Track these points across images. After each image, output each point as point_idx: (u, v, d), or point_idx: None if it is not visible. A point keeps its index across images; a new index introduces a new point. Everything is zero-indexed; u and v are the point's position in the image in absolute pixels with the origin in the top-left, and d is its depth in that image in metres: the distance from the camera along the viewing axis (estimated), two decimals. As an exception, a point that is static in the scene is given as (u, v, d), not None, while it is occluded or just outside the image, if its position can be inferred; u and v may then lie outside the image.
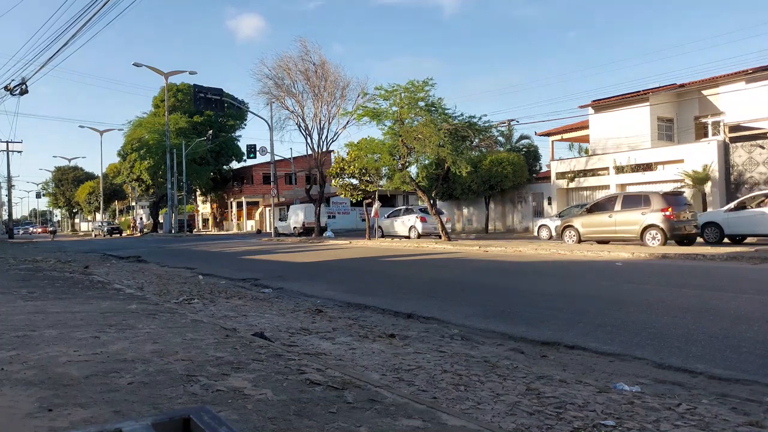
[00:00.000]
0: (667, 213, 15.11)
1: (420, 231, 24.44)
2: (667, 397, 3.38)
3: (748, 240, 16.29)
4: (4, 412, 2.61)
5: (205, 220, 65.45)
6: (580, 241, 17.11)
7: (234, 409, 2.68)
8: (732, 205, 16.48)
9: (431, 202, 23.29)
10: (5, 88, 24.24)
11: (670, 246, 14.77)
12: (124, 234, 51.04)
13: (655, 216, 15.23)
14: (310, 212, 33.00)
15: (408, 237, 24.75)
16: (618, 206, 16.31)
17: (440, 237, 22.07)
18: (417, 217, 24.76)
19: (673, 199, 15.70)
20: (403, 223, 25.85)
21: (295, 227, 33.49)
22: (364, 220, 27.04)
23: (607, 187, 26.31)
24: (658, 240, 15.14)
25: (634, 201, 16.16)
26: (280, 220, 36.80)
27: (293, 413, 2.63)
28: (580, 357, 4.53)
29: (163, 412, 2.26)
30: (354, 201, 34.61)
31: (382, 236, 25.53)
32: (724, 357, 4.27)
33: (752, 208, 15.81)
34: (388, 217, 27.27)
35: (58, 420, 2.50)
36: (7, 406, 2.68)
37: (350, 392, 2.98)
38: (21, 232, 73.84)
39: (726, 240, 16.11)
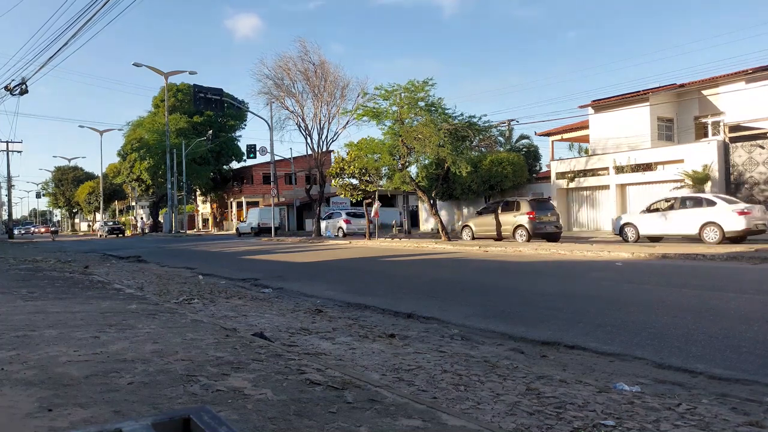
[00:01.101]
0: (531, 216, 18.78)
1: (345, 231, 28.86)
2: (667, 397, 3.38)
3: (739, 240, 16.40)
4: (4, 412, 2.61)
5: (205, 220, 65.47)
6: (473, 237, 20.84)
7: (234, 409, 2.68)
8: (645, 207, 18.57)
9: (431, 202, 23.30)
10: (5, 88, 24.24)
11: (534, 242, 18.12)
12: (126, 234, 49.90)
13: (523, 218, 18.99)
14: (265, 214, 37.56)
15: (337, 236, 29.27)
16: (499, 210, 20.31)
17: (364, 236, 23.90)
18: (342, 219, 29.37)
19: (537, 204, 19.58)
20: (333, 225, 30.39)
21: (252, 228, 38.07)
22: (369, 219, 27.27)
23: (607, 187, 26.31)
24: (524, 237, 18.89)
25: (510, 206, 20.00)
26: (240, 221, 41.90)
27: (293, 413, 2.63)
28: (580, 357, 4.53)
29: (163, 412, 2.26)
30: (354, 201, 34.62)
31: (319, 236, 28.37)
32: (724, 357, 4.27)
33: (662, 210, 17.65)
34: (323, 219, 31.76)
35: (58, 420, 2.50)
36: (7, 406, 2.68)
37: (350, 392, 2.98)
38: (22, 232, 71.76)
39: (639, 239, 17.98)
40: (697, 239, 16.35)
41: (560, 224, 19.38)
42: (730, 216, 15.74)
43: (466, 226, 21.64)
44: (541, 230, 19.04)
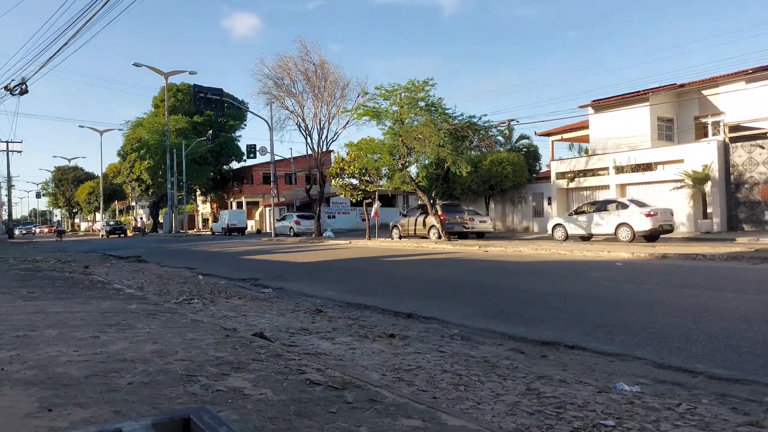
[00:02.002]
0: (442, 217, 22.16)
1: (295, 231, 32.81)
2: (667, 397, 3.38)
3: (740, 240, 16.62)
4: (4, 412, 2.61)
5: (205, 220, 65.44)
6: (401, 237, 24.24)
7: (234, 409, 2.68)
8: (572, 210, 20.99)
9: (431, 202, 23.31)
10: (5, 88, 24.23)
11: (444, 241, 20.23)
12: (126, 234, 49.22)
13: (435, 220, 22.21)
14: (234, 215, 42.97)
15: (289, 235, 32.84)
16: (419, 212, 23.83)
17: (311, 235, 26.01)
18: (293, 220, 33.58)
19: (448, 208, 23.59)
20: (286, 226, 34.36)
21: (222, 227, 42.16)
22: (364, 220, 27.43)
23: (607, 187, 26.30)
24: (436, 235, 22.07)
25: (426, 208, 23.25)
26: (214, 222, 45.64)
27: (293, 413, 2.63)
28: (580, 357, 4.53)
29: (163, 412, 2.26)
30: (354, 201, 34.62)
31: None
32: (724, 357, 4.27)
33: (587, 213, 19.76)
34: (278, 220, 36.23)
35: (58, 420, 2.50)
36: (7, 406, 2.68)
37: (350, 392, 2.98)
38: (23, 232, 69.81)
39: (568, 238, 20.06)
40: (614, 238, 18.39)
41: (469, 224, 22.48)
42: (639, 218, 17.89)
43: (395, 226, 25.29)
44: (450, 229, 22.40)
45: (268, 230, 40.84)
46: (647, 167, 24.70)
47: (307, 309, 6.96)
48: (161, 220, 56.56)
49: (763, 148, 21.41)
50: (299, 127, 31.41)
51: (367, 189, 28.64)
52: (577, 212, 20.39)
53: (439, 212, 21.92)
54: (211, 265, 14.49)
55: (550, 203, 29.27)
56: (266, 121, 32.49)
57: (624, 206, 18.77)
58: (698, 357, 4.31)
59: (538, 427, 2.83)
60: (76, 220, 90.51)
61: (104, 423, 2.32)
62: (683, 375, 3.93)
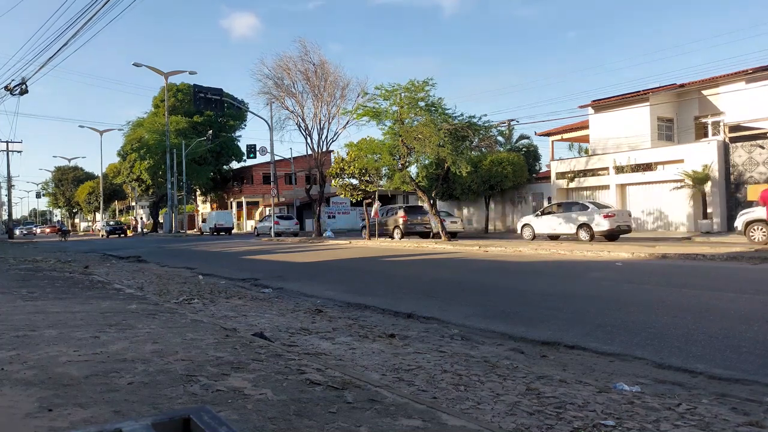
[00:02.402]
0: (404, 218, 24.55)
1: (275, 231, 33.94)
2: (667, 397, 3.38)
3: (738, 240, 16.49)
4: (4, 412, 2.61)
5: (205, 220, 65.45)
6: (369, 237, 25.76)
7: (234, 409, 2.68)
8: (539, 211, 22.15)
9: (431, 202, 23.31)
10: (5, 88, 24.23)
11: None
12: (126, 234, 48.81)
13: (399, 220, 24.79)
14: (221, 216, 45.17)
15: (269, 234, 34.06)
16: (389, 214, 26.16)
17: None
18: (273, 221, 34.69)
19: (410, 209, 25.88)
20: (266, 226, 36.16)
21: (210, 227, 44.06)
22: (363, 219, 27.51)
23: (607, 187, 26.31)
24: (399, 234, 24.68)
25: (394, 211, 26.20)
26: (203, 222, 47.51)
27: (293, 413, 2.64)
28: (580, 357, 4.53)
29: (163, 412, 2.26)
30: (354, 201, 34.62)
31: (257, 235, 31.83)
32: (724, 357, 4.27)
33: (552, 214, 20.94)
34: (260, 221, 39.40)
35: (58, 420, 2.50)
36: (7, 406, 2.68)
37: (350, 392, 2.99)
38: (24, 232, 68.05)
39: (535, 236, 21.36)
40: (576, 238, 19.49)
41: (430, 225, 24.29)
42: (598, 218, 18.97)
43: (364, 227, 27.07)
44: (412, 230, 25.03)
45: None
46: (647, 167, 24.70)
47: (307, 309, 6.96)
48: (161, 220, 56.55)
49: (763, 148, 21.41)
50: (299, 127, 31.44)
51: (367, 189, 28.67)
52: (544, 213, 21.49)
53: (402, 214, 24.44)
54: (211, 265, 14.49)
55: (550, 203, 29.28)
56: (266, 121, 32.50)
57: (585, 208, 19.88)
58: (698, 357, 4.31)
59: (538, 427, 2.83)
60: (76, 220, 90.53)
61: (104, 423, 2.32)
62: (683, 375, 3.93)
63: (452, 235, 24.00)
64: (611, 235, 18.97)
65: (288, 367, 3.49)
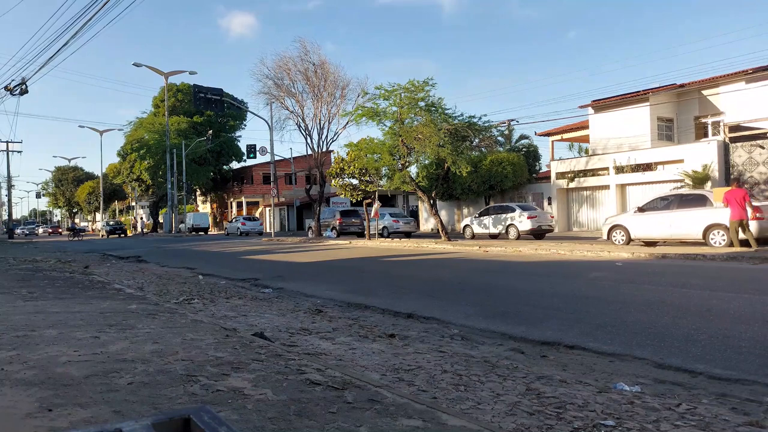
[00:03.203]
0: (339, 221, 28.69)
1: (241, 230, 38.69)
2: (667, 397, 3.38)
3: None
4: (4, 412, 2.61)
5: (231, 220, 65.37)
6: (338, 235, 29.39)
7: (234, 409, 2.68)
8: (477, 213, 24.62)
9: (431, 202, 23.32)
10: (5, 88, 24.23)
11: (444, 241, 20.74)
12: (127, 234, 48.45)
13: (336, 222, 29.11)
14: (198, 217, 48.93)
15: (237, 235, 38.50)
16: (330, 216, 30.50)
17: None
18: (240, 222, 39.93)
19: (345, 213, 30.12)
20: (235, 227, 40.47)
21: (188, 227, 47.33)
22: (363, 220, 27.57)
23: (607, 187, 26.31)
24: (336, 233, 29.01)
25: (332, 213, 30.73)
26: (181, 222, 49.89)
27: (293, 413, 2.63)
28: (580, 357, 4.53)
29: (163, 412, 2.26)
30: (354, 201, 34.61)
31: (319, 235, 32.29)
32: (724, 357, 4.27)
33: (488, 215, 23.41)
34: (230, 222, 43.94)
35: (58, 420, 2.50)
36: (7, 406, 2.68)
37: (350, 392, 2.98)
38: (26, 232, 65.02)
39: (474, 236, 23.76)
40: (506, 236, 21.98)
41: (363, 226, 27.00)
42: (522, 219, 21.46)
43: (310, 227, 31.44)
44: (345, 230, 29.42)
45: (267, 230, 41.26)
46: (647, 167, 24.70)
47: (307, 309, 6.96)
48: (161, 220, 56.55)
49: (763, 148, 21.40)
50: (299, 127, 31.42)
51: (367, 189, 28.64)
52: (482, 214, 24.05)
53: (338, 216, 28.20)
54: (211, 265, 14.48)
55: (550, 203, 29.27)
56: (266, 121, 32.49)
57: (511, 210, 22.49)
58: (698, 357, 4.31)
59: (538, 427, 2.83)
60: (76, 220, 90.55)
61: (104, 423, 2.32)
62: (683, 375, 3.93)
63: (407, 234, 26.98)
64: (536, 234, 21.58)
65: (288, 367, 3.49)
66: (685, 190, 18.29)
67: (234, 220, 43.23)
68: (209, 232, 48.84)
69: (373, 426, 2.49)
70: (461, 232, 24.77)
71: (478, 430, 2.47)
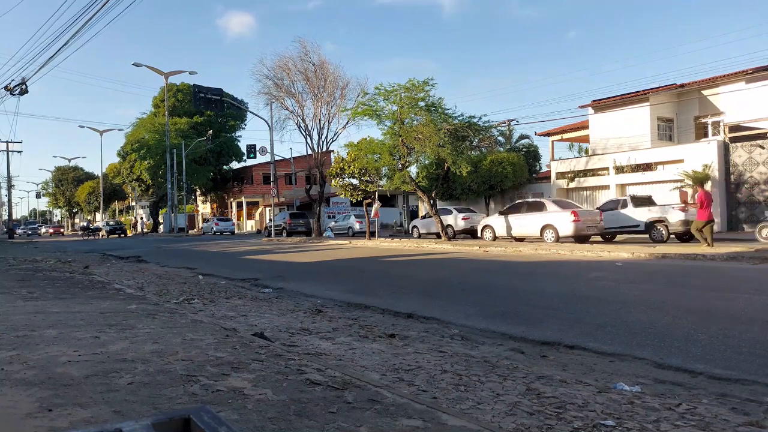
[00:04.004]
0: (288, 221, 33.18)
1: (215, 230, 42.42)
2: (667, 397, 3.38)
3: (470, 235, 20.24)
4: (4, 412, 2.61)
5: (206, 220, 65.45)
6: (269, 236, 32.16)
7: (234, 409, 2.68)
8: (422, 215, 27.16)
9: (431, 202, 23.32)
10: (5, 88, 24.23)
11: (444, 241, 21.31)
12: (127, 234, 48.17)
13: (285, 223, 33.47)
14: (181, 219, 49.99)
15: (213, 233, 42.01)
16: (282, 218, 34.24)
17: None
18: (214, 222, 43.54)
19: (293, 215, 34.60)
20: (210, 227, 43.57)
21: (168, 228, 49.58)
22: (311, 220, 27.97)
23: (607, 187, 26.31)
24: (286, 233, 32.71)
25: (284, 216, 34.41)
26: (161, 223, 53.11)
27: (293, 413, 2.63)
28: (580, 357, 4.53)
29: (163, 412, 2.26)
30: (354, 201, 34.61)
31: (319, 235, 32.98)
32: (724, 357, 4.27)
33: (429, 216, 24.67)
34: (204, 222, 49.20)
35: (58, 420, 2.50)
36: (7, 406, 2.68)
37: (350, 392, 2.98)
38: (29, 232, 61.23)
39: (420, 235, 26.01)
40: (439, 236, 22.83)
41: (311, 227, 30.75)
42: (459, 220, 23.79)
43: (278, 226, 34.03)
44: (294, 230, 33.53)
45: (297, 230, 41.48)
46: (647, 167, 24.69)
47: (307, 309, 6.96)
48: (161, 220, 56.56)
49: (763, 148, 21.40)
50: (299, 127, 31.40)
51: (367, 189, 28.64)
52: (424, 216, 26.36)
53: (287, 219, 31.43)
54: (211, 265, 14.48)
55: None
56: (266, 121, 32.48)
57: (449, 212, 24.54)
58: (698, 357, 4.31)
59: (538, 427, 2.83)
60: (76, 220, 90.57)
61: (104, 423, 2.32)
62: (683, 375, 3.93)
63: (372, 234, 28.31)
64: (468, 234, 23.50)
65: (288, 367, 3.49)
66: (531, 199, 22.07)
67: (209, 221, 47.67)
68: (246, 232, 50.79)
69: (373, 426, 2.49)
70: (410, 231, 25.66)
71: (478, 430, 2.47)
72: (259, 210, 54.97)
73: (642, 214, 18.14)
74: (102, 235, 42.79)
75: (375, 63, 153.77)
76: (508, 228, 19.86)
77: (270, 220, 36.17)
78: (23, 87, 23.76)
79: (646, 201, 19.06)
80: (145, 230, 51.39)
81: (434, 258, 14.78)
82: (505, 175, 29.10)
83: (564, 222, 18.00)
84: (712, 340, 4.75)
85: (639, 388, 3.55)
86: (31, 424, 2.44)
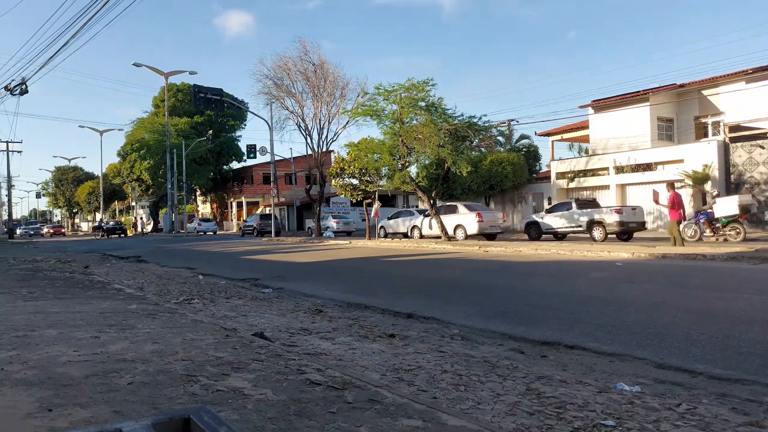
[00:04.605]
0: (259, 222, 36.31)
1: (198, 230, 44.65)
2: (667, 397, 3.38)
3: (726, 238, 17.59)
4: (4, 412, 2.61)
5: (135, 224, 65.06)
6: (243, 234, 37.02)
7: (234, 409, 2.68)
8: (390, 216, 27.72)
9: (431, 202, 23.32)
10: (5, 88, 24.23)
11: (444, 241, 21.30)
12: (127, 234, 47.76)
13: (255, 225, 36.80)
14: (167, 218, 50.96)
15: (196, 234, 44.11)
16: (253, 219, 37.52)
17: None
18: (197, 223, 45.92)
19: (263, 216, 36.48)
20: (192, 227, 45.49)
21: (148, 227, 53.52)
22: (364, 220, 27.66)
23: (607, 187, 26.32)
24: (257, 233, 35.91)
25: (255, 218, 36.62)
26: (133, 226, 54.72)
27: (293, 413, 2.64)
28: (580, 357, 4.52)
29: (163, 412, 2.26)
30: (354, 201, 34.61)
31: (319, 236, 33.17)
32: (724, 357, 4.27)
33: (399, 218, 26.39)
34: (189, 223, 47.23)
35: (58, 420, 2.50)
36: (7, 406, 2.68)
37: (350, 392, 2.98)
38: (31, 232, 57.71)
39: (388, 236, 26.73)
40: (410, 236, 24.78)
41: (279, 227, 33.39)
42: (425, 221, 23.88)
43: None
44: (263, 230, 35.64)
45: (267, 230, 41.61)
46: (647, 167, 24.70)
47: (307, 309, 6.96)
48: (161, 220, 56.54)
49: (763, 148, 21.41)
50: (299, 127, 31.41)
51: (367, 189, 28.65)
52: (391, 217, 27.34)
53: (256, 221, 32.78)
54: (211, 265, 14.48)
55: (550, 203, 29.27)
56: (266, 121, 32.49)
57: (413, 213, 25.99)
58: (698, 357, 4.31)
59: (538, 427, 2.83)
60: (76, 220, 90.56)
61: (104, 423, 2.32)
62: (683, 375, 3.93)
63: (348, 234, 30.20)
64: (623, 234, 20.41)
65: (288, 367, 3.49)
66: (449, 202, 25.22)
67: (193, 221, 49.84)
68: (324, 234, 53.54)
69: (373, 426, 2.49)
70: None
71: (478, 430, 2.47)
72: (259, 210, 54.96)
73: (583, 216, 19.68)
74: (122, 236, 44.07)
75: (375, 62, 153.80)
76: (430, 227, 23.33)
77: (244, 221, 41.78)
78: (23, 87, 23.76)
79: (589, 204, 20.85)
80: (145, 230, 51.35)
81: (434, 258, 14.78)
82: (505, 175, 29.10)
83: (471, 222, 21.76)
84: (712, 340, 4.75)
85: (639, 388, 3.55)
86: (31, 424, 2.44)
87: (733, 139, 22.32)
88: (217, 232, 46.55)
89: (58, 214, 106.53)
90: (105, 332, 4.56)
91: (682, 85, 26.28)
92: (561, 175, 28.68)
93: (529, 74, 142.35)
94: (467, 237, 21.64)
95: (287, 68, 30.52)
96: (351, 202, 36.68)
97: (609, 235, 18.77)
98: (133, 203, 67.83)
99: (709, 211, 16.81)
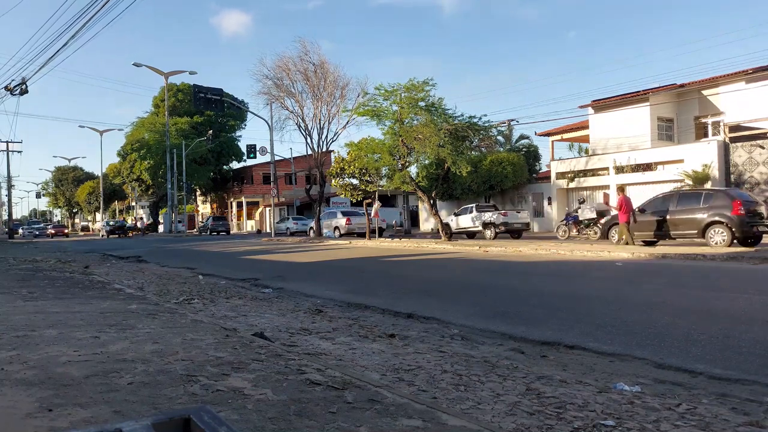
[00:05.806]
0: (212, 223, 45.07)
1: (178, 230, 46.81)
2: (667, 397, 3.38)
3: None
4: (4, 412, 2.61)
5: (174, 221, 65.16)
6: (211, 232, 43.55)
7: (234, 409, 2.68)
8: (374, 209, 29.00)
9: (431, 202, 23.33)
10: (5, 88, 24.24)
11: (444, 241, 21.33)
12: (127, 234, 46.52)
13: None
14: (119, 221, 53.49)
15: (190, 232, 48.16)
16: (210, 221, 46.24)
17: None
18: (181, 224, 48.50)
19: (214, 219, 46.08)
20: (177, 224, 47.95)
21: (168, 228, 51.51)
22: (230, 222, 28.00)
23: (607, 187, 26.30)
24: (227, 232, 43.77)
25: (222, 218, 45.83)
26: (105, 224, 54.24)
27: (293, 413, 2.64)
28: (580, 357, 4.52)
29: (163, 412, 2.26)
30: (354, 201, 34.63)
31: (319, 235, 33.89)
32: (724, 357, 4.27)
33: (363, 213, 27.65)
34: (179, 222, 49.25)
35: (58, 420, 2.50)
36: (7, 406, 2.68)
37: (350, 392, 2.99)
38: (36, 233, 53.95)
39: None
40: (364, 235, 25.93)
41: (228, 228, 42.52)
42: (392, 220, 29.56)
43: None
44: (215, 230, 43.17)
45: (268, 230, 41.62)
46: (647, 167, 24.70)
47: (307, 309, 6.96)
48: (161, 220, 56.55)
49: (763, 148, 21.41)
50: (299, 127, 31.38)
51: (367, 189, 28.69)
52: (337, 215, 30.98)
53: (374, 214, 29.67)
54: (211, 265, 14.48)
55: (550, 203, 29.28)
56: (266, 121, 32.49)
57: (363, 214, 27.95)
58: (698, 357, 4.30)
59: (538, 427, 2.83)
60: (76, 220, 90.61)
61: (104, 423, 2.32)
62: (683, 375, 3.93)
63: (373, 233, 30.86)
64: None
65: (288, 367, 3.49)
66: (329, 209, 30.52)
67: (181, 221, 51.52)
68: (246, 232, 53.43)
69: (373, 426, 2.49)
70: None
71: (478, 430, 2.47)
72: (259, 210, 54.98)
73: (479, 219, 23.06)
74: (145, 234, 46.01)
75: (375, 62, 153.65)
76: (321, 227, 28.64)
77: (202, 222, 46.94)
78: (23, 87, 23.77)
79: (489, 208, 24.33)
80: (144, 230, 51.34)
81: (434, 258, 14.78)
82: (505, 175, 29.11)
83: (342, 224, 28.94)
84: (712, 340, 4.75)
85: (639, 388, 3.55)
86: (31, 424, 2.44)
87: (733, 139, 22.32)
88: (231, 232, 46.35)
89: (57, 214, 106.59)
90: (105, 332, 4.56)
91: (682, 85, 26.29)
92: (561, 175, 28.69)
93: (529, 74, 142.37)
94: (341, 235, 28.03)
95: (287, 68, 30.51)
96: (351, 202, 36.71)
97: (500, 234, 22.25)
98: (133, 203, 67.87)
99: (575, 215, 20.47)
